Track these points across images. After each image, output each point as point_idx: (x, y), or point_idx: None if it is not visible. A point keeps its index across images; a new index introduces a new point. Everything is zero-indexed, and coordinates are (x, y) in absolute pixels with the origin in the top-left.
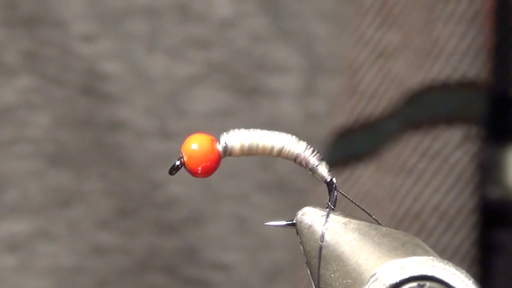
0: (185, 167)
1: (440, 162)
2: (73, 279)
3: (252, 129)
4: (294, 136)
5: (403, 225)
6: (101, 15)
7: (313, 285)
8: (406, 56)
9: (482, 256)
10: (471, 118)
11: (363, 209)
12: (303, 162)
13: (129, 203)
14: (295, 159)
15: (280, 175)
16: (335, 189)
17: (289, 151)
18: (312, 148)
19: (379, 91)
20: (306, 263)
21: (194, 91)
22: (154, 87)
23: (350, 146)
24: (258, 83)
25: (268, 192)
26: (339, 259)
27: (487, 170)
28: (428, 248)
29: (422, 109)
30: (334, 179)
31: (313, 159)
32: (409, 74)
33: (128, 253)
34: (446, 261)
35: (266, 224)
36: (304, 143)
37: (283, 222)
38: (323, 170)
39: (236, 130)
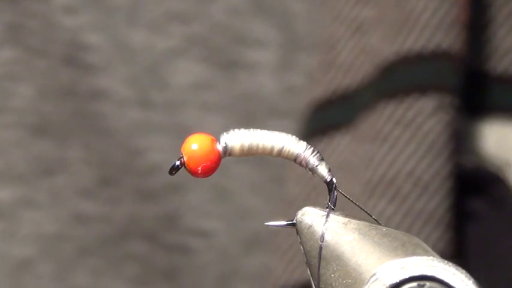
0: (185, 167)
1: (414, 130)
2: (56, 247)
3: (252, 129)
4: (294, 136)
5: (377, 191)
6: None
7: (313, 285)
8: (381, 29)
9: (457, 222)
10: (444, 88)
11: (363, 209)
12: (303, 162)
13: (111, 171)
14: (295, 159)
15: None
16: (335, 189)
17: (289, 151)
18: (312, 148)
19: (355, 64)
20: (306, 263)
21: (174, 64)
22: (135, 59)
23: (327, 118)
24: (237, 56)
25: (247, 164)
26: (339, 259)
27: (460, 139)
28: (429, 248)
29: (396, 80)
30: (334, 179)
31: (313, 159)
32: (384, 46)
33: (110, 221)
34: (446, 261)
35: (266, 224)
36: (304, 143)
37: (283, 222)
38: (323, 170)
39: (236, 130)
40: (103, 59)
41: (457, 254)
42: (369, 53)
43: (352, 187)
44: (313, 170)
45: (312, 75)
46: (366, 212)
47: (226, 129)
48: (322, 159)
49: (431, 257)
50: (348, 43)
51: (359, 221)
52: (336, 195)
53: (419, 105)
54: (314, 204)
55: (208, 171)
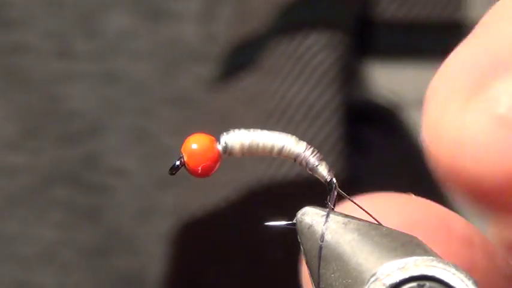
0: (185, 166)
1: (304, 63)
2: None
3: (252, 129)
4: (294, 136)
5: (272, 119)
6: None
7: (313, 285)
8: None
9: (350, 151)
10: (335, 25)
11: (363, 209)
12: (303, 162)
13: (33, 122)
14: (295, 159)
15: (182, 89)
16: (335, 189)
17: (289, 151)
18: (312, 148)
19: (262, 9)
20: (306, 263)
21: (101, 15)
22: (61, 12)
23: (237, 60)
24: (162, 6)
25: (169, 106)
26: (339, 259)
27: (352, 75)
28: (429, 248)
29: (291, 18)
30: (334, 179)
31: (313, 159)
32: None
33: (34, 170)
34: (446, 261)
35: (266, 224)
36: (304, 143)
37: (283, 222)
38: (323, 170)
39: (236, 130)
40: (23, 14)
41: (351, 181)
42: None
43: (254, 117)
44: (313, 170)
45: (228, 22)
46: (364, 210)
47: (153, 75)
48: (322, 159)
49: (431, 257)
50: None
51: (359, 221)
52: (336, 195)
53: (310, 40)
54: None
55: (209, 171)
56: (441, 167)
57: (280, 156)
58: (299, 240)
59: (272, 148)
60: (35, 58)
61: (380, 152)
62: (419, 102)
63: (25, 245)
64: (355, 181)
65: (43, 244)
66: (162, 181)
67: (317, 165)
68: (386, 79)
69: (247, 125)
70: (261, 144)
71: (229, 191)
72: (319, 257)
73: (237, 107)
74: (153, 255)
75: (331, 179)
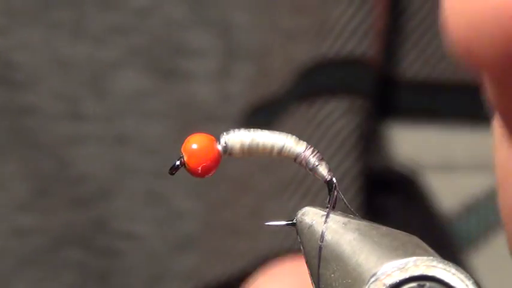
0: (185, 166)
1: (324, 130)
2: None
3: (252, 129)
4: (294, 136)
5: (290, 189)
6: (19, 7)
7: (312, 285)
8: (305, 37)
9: (368, 219)
10: (355, 91)
11: (357, 214)
12: (303, 162)
13: (44, 183)
14: (295, 159)
15: None
16: (335, 189)
17: (289, 151)
18: (312, 148)
19: (282, 71)
20: (306, 263)
21: (113, 75)
22: (73, 72)
23: (255, 122)
24: (175, 66)
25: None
26: (339, 259)
27: (372, 141)
28: (429, 248)
29: (311, 84)
30: (334, 179)
31: (313, 159)
32: (304, 53)
33: (45, 231)
34: (446, 261)
35: (266, 223)
36: (305, 143)
37: (283, 222)
38: (323, 170)
39: (236, 130)
40: (32, 75)
41: None
42: (293, 60)
43: (270, 185)
44: (313, 170)
45: (246, 82)
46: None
47: (166, 137)
48: (322, 159)
49: (431, 257)
50: (278, 51)
51: (359, 221)
52: (336, 195)
53: (330, 106)
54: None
55: (208, 171)
56: (461, 42)
57: (280, 156)
58: (299, 240)
59: (272, 148)
60: (44, 120)
61: (398, 219)
62: (439, 167)
63: None
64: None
65: None
66: (175, 246)
67: (317, 165)
68: (407, 142)
69: (264, 193)
70: (261, 144)
71: (245, 263)
72: (319, 257)
73: (254, 172)
74: None
75: (331, 179)
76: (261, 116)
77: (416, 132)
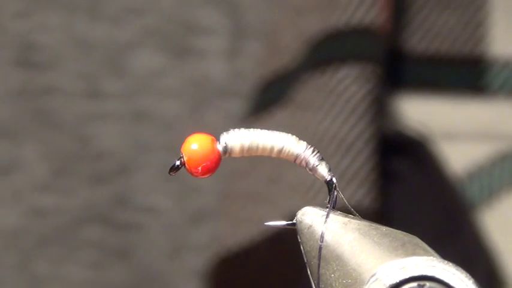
0: (185, 167)
1: (336, 96)
2: (17, 240)
3: (252, 129)
4: (294, 136)
5: None
6: None
7: (313, 285)
8: (314, 11)
9: (381, 182)
10: (365, 59)
11: (357, 214)
12: (303, 162)
13: (63, 162)
14: (295, 159)
15: (211, 125)
16: (335, 189)
17: (289, 151)
18: (312, 148)
19: (292, 45)
20: (306, 263)
21: (130, 54)
22: (91, 53)
23: (268, 95)
24: (189, 44)
25: None
26: (339, 259)
27: (383, 106)
28: (429, 248)
29: (321, 53)
30: (334, 179)
31: (313, 159)
32: (314, 25)
33: (65, 211)
34: (446, 261)
35: (266, 223)
36: (304, 143)
37: (283, 222)
38: (323, 169)
39: (236, 130)
40: (53, 56)
41: (382, 211)
42: (302, 34)
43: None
44: (313, 170)
45: (257, 59)
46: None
47: (181, 113)
48: (322, 159)
49: (431, 257)
50: (287, 27)
51: (359, 221)
52: (336, 195)
53: (341, 74)
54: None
55: (208, 171)
56: None
57: (280, 157)
58: (299, 240)
59: (272, 148)
60: (65, 99)
61: (409, 182)
62: (447, 135)
63: (57, 285)
64: (385, 211)
65: (75, 285)
66: (194, 218)
67: (317, 165)
68: (416, 112)
69: (280, 161)
70: (261, 145)
71: (264, 227)
72: (319, 257)
73: None
74: None
75: (331, 179)
76: (275, 89)
77: (424, 103)
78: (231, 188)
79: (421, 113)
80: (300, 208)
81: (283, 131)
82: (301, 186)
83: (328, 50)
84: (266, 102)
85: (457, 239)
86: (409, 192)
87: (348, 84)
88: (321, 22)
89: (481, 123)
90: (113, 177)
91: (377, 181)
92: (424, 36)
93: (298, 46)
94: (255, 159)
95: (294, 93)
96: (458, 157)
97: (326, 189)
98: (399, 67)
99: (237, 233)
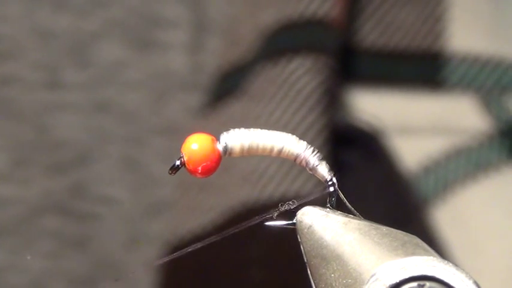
0: (185, 166)
1: (288, 87)
2: None
3: (252, 129)
4: (294, 136)
5: None
6: None
7: (313, 284)
8: (270, 3)
9: (333, 172)
10: (317, 50)
11: (357, 213)
12: (303, 162)
13: (22, 152)
14: (295, 159)
15: (171, 118)
16: (335, 189)
17: (289, 151)
18: (312, 148)
19: (249, 37)
20: (306, 262)
21: (93, 46)
22: (55, 43)
23: (225, 87)
24: (151, 37)
25: (159, 135)
26: (339, 259)
27: (336, 98)
28: (429, 248)
29: (275, 45)
30: (334, 179)
31: (313, 159)
32: (269, 17)
33: (23, 201)
34: (446, 261)
35: (266, 224)
36: (305, 143)
37: (283, 222)
38: (323, 169)
39: (236, 130)
40: (13, 46)
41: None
42: (259, 25)
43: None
44: (313, 170)
45: (217, 52)
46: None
47: (143, 105)
48: (322, 159)
49: (431, 257)
50: (246, 20)
51: (359, 221)
52: (336, 195)
53: (293, 65)
54: None
55: (209, 171)
56: None
57: (280, 157)
58: (299, 240)
59: (272, 148)
60: (25, 89)
61: (360, 174)
62: (399, 128)
63: (14, 275)
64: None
65: (32, 274)
66: (151, 209)
67: (317, 165)
68: (368, 105)
69: None
70: (261, 145)
71: (215, 215)
72: (320, 257)
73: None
74: (142, 281)
75: (331, 178)
76: (231, 81)
77: (376, 96)
78: (185, 177)
79: (377, 106)
80: (251, 196)
81: (236, 121)
82: (253, 175)
83: (282, 41)
84: (222, 94)
85: (407, 232)
86: (359, 184)
87: (300, 75)
88: (277, 14)
89: (437, 118)
90: (72, 167)
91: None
92: (384, 31)
93: (255, 38)
94: None
95: (248, 84)
96: (414, 151)
97: (277, 178)
98: (356, 60)
99: (189, 222)
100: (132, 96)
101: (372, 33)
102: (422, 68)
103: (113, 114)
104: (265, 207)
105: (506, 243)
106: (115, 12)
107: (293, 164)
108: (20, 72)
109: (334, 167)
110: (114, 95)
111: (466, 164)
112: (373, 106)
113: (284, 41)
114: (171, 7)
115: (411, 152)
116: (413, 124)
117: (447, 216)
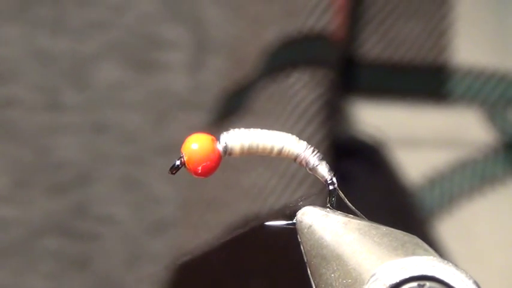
0: (185, 166)
1: (286, 102)
2: None
3: (252, 129)
4: (294, 136)
5: (257, 159)
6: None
7: (313, 285)
8: (271, 20)
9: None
10: (317, 64)
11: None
12: (303, 162)
13: (23, 174)
14: (295, 159)
15: (172, 137)
16: (335, 188)
17: (289, 151)
18: (312, 148)
19: (252, 55)
20: (306, 262)
21: (93, 67)
22: (54, 65)
23: (229, 106)
24: (151, 58)
25: (160, 154)
26: (339, 259)
27: (335, 110)
28: (429, 248)
29: (275, 60)
30: (334, 179)
31: (313, 159)
32: (270, 34)
33: (24, 222)
34: (446, 261)
35: (266, 223)
36: (305, 143)
37: (283, 222)
38: (323, 169)
39: (236, 130)
40: (12, 68)
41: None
42: (261, 44)
43: (242, 160)
44: (313, 170)
45: (220, 71)
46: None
47: (143, 125)
48: (322, 159)
49: (431, 257)
50: (248, 38)
51: (359, 221)
52: (336, 195)
53: (292, 79)
54: None
55: (209, 171)
56: None
57: (280, 156)
58: (299, 240)
59: (272, 148)
60: (24, 111)
61: (362, 187)
62: (404, 141)
63: None
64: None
65: None
66: (152, 227)
67: (317, 165)
68: (373, 117)
69: (236, 167)
70: (261, 145)
71: (218, 232)
72: (320, 257)
73: None
74: None
75: (331, 178)
76: (236, 100)
77: (380, 109)
78: (190, 195)
79: (381, 119)
80: (251, 211)
81: None
82: (252, 190)
83: (281, 58)
84: (226, 112)
85: None
86: (362, 196)
87: (298, 89)
88: (278, 31)
89: (442, 130)
90: (72, 188)
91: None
92: (389, 44)
93: (257, 56)
94: None
95: (250, 103)
96: (419, 164)
97: (278, 191)
98: (361, 73)
99: (194, 239)
100: (132, 117)
101: (376, 46)
102: (427, 81)
103: (113, 134)
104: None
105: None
106: (114, 34)
107: (293, 176)
108: (19, 94)
109: (337, 178)
110: (114, 115)
111: (471, 177)
112: (378, 119)
113: (283, 57)
114: (171, 28)
115: (416, 165)
116: (418, 137)
117: (452, 229)
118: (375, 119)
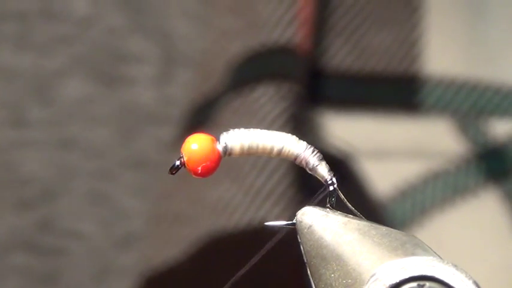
0: (185, 166)
1: (250, 116)
2: None
3: (252, 129)
4: (294, 136)
5: (222, 173)
6: None
7: (312, 285)
8: (237, 34)
9: (300, 197)
10: (282, 77)
11: (357, 213)
12: (303, 162)
13: None
14: (295, 159)
15: (140, 151)
16: (335, 189)
17: (289, 151)
18: (312, 148)
19: (219, 69)
20: (306, 262)
21: (58, 83)
22: (18, 82)
23: (195, 120)
24: (118, 72)
25: (127, 169)
26: (339, 259)
27: (301, 123)
28: (429, 248)
29: (239, 74)
30: (334, 179)
31: (313, 159)
32: (236, 48)
33: None
34: (446, 261)
35: (265, 224)
36: (304, 143)
37: (283, 222)
38: (323, 169)
39: (236, 130)
40: None
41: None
42: (227, 57)
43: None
44: (313, 170)
45: (187, 84)
46: (358, 214)
47: (110, 140)
48: (322, 159)
49: (431, 257)
50: (216, 52)
51: (359, 221)
52: (336, 195)
53: (256, 93)
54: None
55: (209, 171)
56: None
57: (280, 157)
58: (299, 240)
59: (272, 148)
60: None
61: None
62: (375, 152)
63: None
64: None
65: None
66: (119, 242)
67: (317, 165)
68: (343, 129)
69: (204, 182)
70: (261, 145)
71: (186, 246)
72: (320, 257)
73: None
74: None
75: (331, 179)
76: (202, 113)
77: (348, 121)
78: (157, 209)
79: (351, 130)
80: (218, 226)
81: None
82: (218, 204)
83: (246, 72)
84: (193, 126)
85: None
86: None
87: (264, 103)
88: (244, 45)
89: (414, 141)
90: (38, 203)
91: (294, 198)
92: (359, 55)
93: (224, 70)
94: (180, 180)
95: (216, 116)
96: (390, 175)
97: (243, 206)
98: (330, 85)
99: (162, 253)
100: (99, 131)
101: (347, 57)
102: (398, 91)
103: (80, 149)
104: (232, 236)
105: (484, 267)
106: (80, 49)
107: (258, 192)
108: None
109: (303, 194)
110: (80, 130)
111: (443, 187)
112: (349, 130)
113: (248, 71)
114: (138, 41)
115: (388, 176)
116: (390, 148)
117: (424, 240)
118: (346, 130)
